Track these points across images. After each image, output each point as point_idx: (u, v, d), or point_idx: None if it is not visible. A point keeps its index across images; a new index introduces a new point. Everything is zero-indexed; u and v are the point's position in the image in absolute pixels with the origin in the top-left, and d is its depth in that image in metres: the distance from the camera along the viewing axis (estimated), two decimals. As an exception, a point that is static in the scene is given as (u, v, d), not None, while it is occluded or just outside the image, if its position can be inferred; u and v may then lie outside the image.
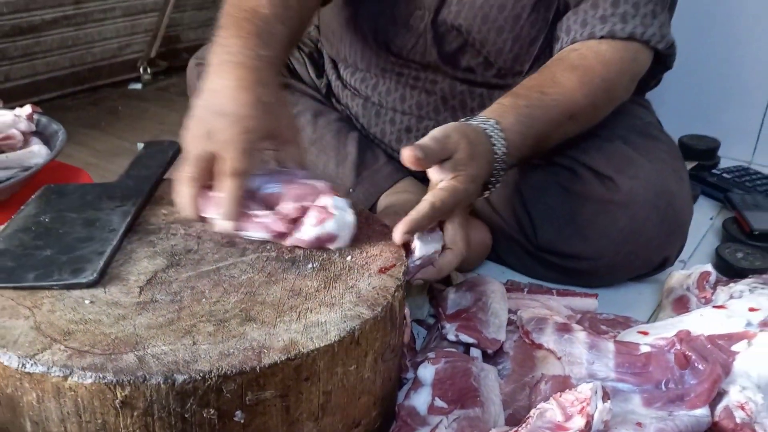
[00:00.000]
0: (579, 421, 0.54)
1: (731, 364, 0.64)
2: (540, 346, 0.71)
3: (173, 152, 0.80)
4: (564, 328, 0.71)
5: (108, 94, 2.25)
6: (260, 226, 0.63)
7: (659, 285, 0.92)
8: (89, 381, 0.46)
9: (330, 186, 0.67)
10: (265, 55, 0.68)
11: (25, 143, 0.92)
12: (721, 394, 0.62)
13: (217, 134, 0.63)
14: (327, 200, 0.64)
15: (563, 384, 0.64)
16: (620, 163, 0.87)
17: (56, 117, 1.00)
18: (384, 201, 0.95)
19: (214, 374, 0.47)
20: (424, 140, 0.66)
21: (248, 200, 0.64)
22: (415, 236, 0.67)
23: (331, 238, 0.63)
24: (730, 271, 0.95)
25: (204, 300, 0.55)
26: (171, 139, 0.86)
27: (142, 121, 1.97)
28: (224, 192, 0.62)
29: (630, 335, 0.73)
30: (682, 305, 0.83)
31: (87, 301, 0.54)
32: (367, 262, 0.62)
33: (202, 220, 0.65)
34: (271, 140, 0.66)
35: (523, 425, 0.55)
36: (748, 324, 0.68)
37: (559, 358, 0.69)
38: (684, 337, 0.66)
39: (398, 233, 0.64)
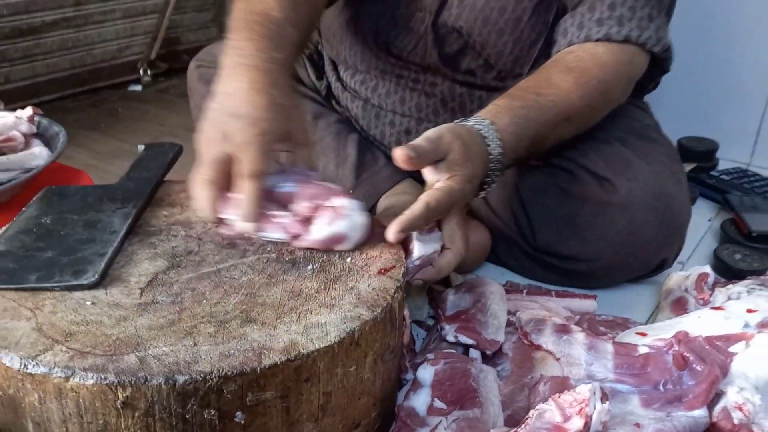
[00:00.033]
0: (577, 422, 0.54)
1: (729, 365, 0.64)
2: (539, 347, 0.71)
3: (173, 154, 0.81)
4: (563, 330, 0.71)
5: (108, 95, 2.25)
6: (278, 226, 0.64)
7: (658, 286, 0.92)
8: (91, 382, 0.46)
9: (343, 188, 0.67)
10: (278, 57, 0.69)
11: (26, 145, 0.93)
12: (719, 395, 0.62)
13: (234, 136, 0.63)
14: (339, 201, 0.64)
15: (562, 385, 0.64)
16: (618, 165, 0.88)
17: (56, 119, 1.00)
18: (384, 202, 0.96)
19: (214, 375, 0.47)
20: (417, 141, 0.67)
21: (265, 200, 0.64)
22: (414, 237, 0.67)
23: (342, 238, 0.63)
24: (728, 272, 0.95)
25: (205, 301, 0.56)
26: (171, 141, 0.86)
27: (142, 123, 1.97)
28: (243, 193, 0.62)
29: (628, 336, 0.73)
30: (680, 307, 0.83)
31: (88, 303, 0.54)
32: (366, 264, 0.62)
33: (220, 221, 0.66)
34: (285, 142, 0.67)
35: (522, 426, 0.56)
36: (746, 325, 0.69)
37: (557, 359, 0.69)
38: (682, 338, 0.66)
39: (392, 232, 0.64)
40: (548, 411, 0.55)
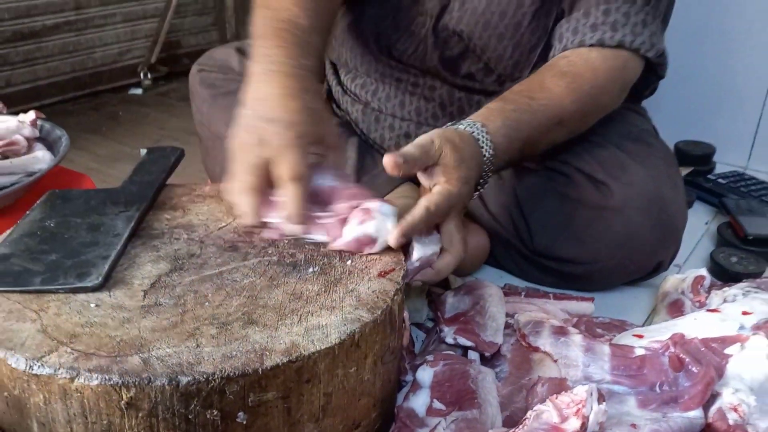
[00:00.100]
0: (575, 423, 0.54)
1: (724, 367, 0.64)
2: (537, 349, 0.72)
3: (175, 158, 0.82)
4: (560, 332, 0.72)
5: (108, 99, 2.26)
6: (322, 227, 0.65)
7: (654, 289, 0.93)
8: (95, 383, 0.47)
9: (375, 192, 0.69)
10: (307, 63, 0.70)
11: (29, 149, 0.93)
12: (714, 396, 0.62)
13: (270, 140, 0.64)
14: (372, 204, 0.65)
15: (559, 386, 0.64)
16: (615, 169, 0.88)
17: (57, 122, 1.01)
18: (383, 206, 0.96)
19: (217, 376, 0.48)
20: (407, 147, 0.68)
21: (308, 202, 0.65)
22: (413, 239, 0.68)
23: (370, 240, 0.64)
24: (724, 275, 0.96)
25: (207, 303, 0.56)
26: (172, 145, 0.87)
27: (142, 126, 1.98)
28: (287, 196, 0.63)
29: (625, 338, 0.74)
30: (676, 309, 0.84)
31: (92, 305, 0.55)
32: (366, 266, 0.63)
33: (263, 225, 0.67)
34: (318, 145, 0.68)
35: (520, 427, 0.56)
36: (741, 327, 0.69)
37: (555, 361, 0.70)
38: (678, 340, 0.67)
39: (394, 237, 0.65)
40: (546, 412, 0.56)
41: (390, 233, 0.64)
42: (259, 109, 0.67)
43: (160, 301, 0.56)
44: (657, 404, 0.63)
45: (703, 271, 0.86)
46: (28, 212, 0.69)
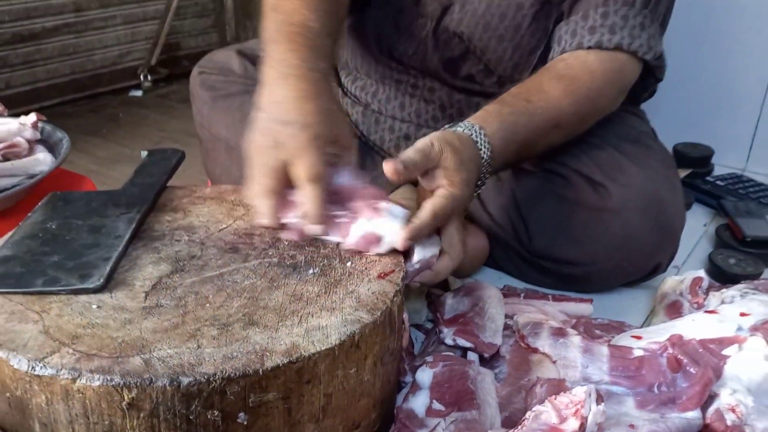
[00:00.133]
0: (573, 423, 0.55)
1: (722, 368, 0.65)
2: (535, 350, 0.72)
3: (176, 160, 0.82)
4: (559, 333, 0.72)
5: (108, 101, 2.26)
6: (341, 227, 0.65)
7: (653, 290, 0.93)
8: (97, 383, 0.47)
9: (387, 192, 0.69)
10: (320, 66, 0.71)
11: (30, 151, 0.94)
12: (712, 397, 0.63)
13: (287, 142, 0.65)
14: (384, 205, 0.66)
15: (558, 387, 0.65)
16: (613, 171, 0.89)
17: (57, 124, 1.02)
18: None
19: (218, 377, 0.48)
20: (407, 152, 0.68)
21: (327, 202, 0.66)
22: (413, 241, 0.69)
23: (376, 239, 0.65)
24: (722, 276, 0.96)
25: (208, 305, 0.57)
26: (173, 147, 0.87)
27: (142, 128, 1.98)
28: (306, 197, 0.64)
29: (624, 339, 0.74)
30: (675, 310, 0.84)
31: (94, 306, 0.55)
32: (366, 268, 0.63)
33: (283, 227, 0.67)
34: (334, 145, 0.68)
35: (519, 427, 0.56)
36: (739, 329, 0.70)
37: (554, 362, 0.70)
38: (676, 341, 0.67)
39: (402, 239, 0.65)
40: (545, 412, 0.56)
41: (397, 235, 0.65)
42: (275, 113, 0.67)
43: (162, 303, 0.56)
44: (655, 405, 0.63)
45: (702, 273, 0.86)
46: (29, 214, 0.69)
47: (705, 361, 0.64)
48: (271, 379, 0.50)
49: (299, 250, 0.66)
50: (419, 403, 0.65)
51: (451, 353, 0.74)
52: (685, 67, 1.41)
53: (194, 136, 1.16)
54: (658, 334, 0.72)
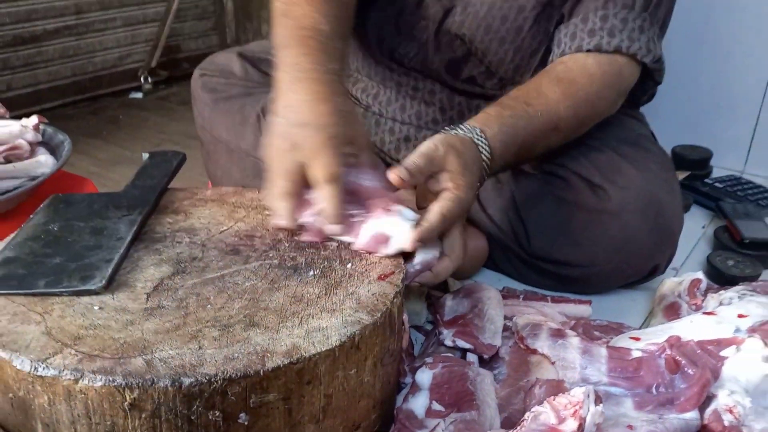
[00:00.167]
0: (572, 424, 0.55)
1: (720, 369, 0.65)
2: (534, 351, 0.72)
3: (177, 162, 0.82)
4: (558, 334, 0.73)
5: (109, 103, 2.27)
6: (354, 227, 0.66)
7: (651, 292, 0.93)
8: (99, 384, 0.48)
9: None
10: (334, 68, 0.72)
11: (32, 153, 0.94)
12: (710, 398, 0.63)
13: (304, 144, 0.65)
14: (395, 206, 0.66)
15: (557, 388, 0.65)
16: (612, 173, 0.89)
17: (58, 126, 1.02)
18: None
19: (219, 377, 0.48)
20: (412, 158, 0.69)
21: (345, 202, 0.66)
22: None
23: (384, 239, 0.65)
24: (720, 278, 0.97)
25: (209, 306, 0.57)
26: (174, 149, 0.87)
27: (142, 130, 1.98)
28: (324, 197, 0.64)
29: (622, 341, 0.75)
30: (673, 312, 0.84)
31: (96, 307, 0.56)
32: (366, 270, 0.64)
33: (301, 228, 0.68)
34: (351, 145, 0.69)
35: (518, 428, 0.57)
36: (737, 330, 0.70)
37: (553, 363, 0.70)
38: (674, 342, 0.67)
39: (411, 241, 0.66)
40: (543, 413, 0.57)
41: (406, 236, 0.65)
42: (290, 116, 0.68)
43: (163, 304, 0.57)
44: (653, 406, 0.64)
45: (700, 275, 0.86)
46: (31, 216, 0.70)
47: (703, 363, 0.64)
48: (272, 379, 0.50)
49: (300, 252, 0.66)
50: (419, 403, 0.66)
51: (450, 354, 0.74)
52: (683, 69, 1.41)
53: (194, 138, 1.16)
54: (657, 335, 0.72)
